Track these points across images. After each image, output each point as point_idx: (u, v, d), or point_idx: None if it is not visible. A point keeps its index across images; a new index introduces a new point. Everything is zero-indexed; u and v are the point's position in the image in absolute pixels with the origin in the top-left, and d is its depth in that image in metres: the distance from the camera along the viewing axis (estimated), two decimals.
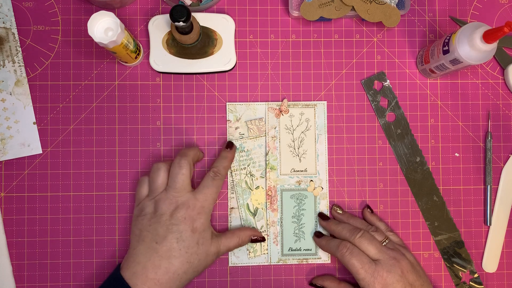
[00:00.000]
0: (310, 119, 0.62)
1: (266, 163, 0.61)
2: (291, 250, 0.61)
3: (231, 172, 0.61)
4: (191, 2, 0.61)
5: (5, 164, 0.60)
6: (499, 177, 0.63)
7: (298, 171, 0.61)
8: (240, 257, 0.60)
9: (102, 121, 0.61)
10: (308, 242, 0.61)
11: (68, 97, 0.61)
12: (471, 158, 0.63)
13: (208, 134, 0.61)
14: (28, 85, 0.60)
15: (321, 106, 0.62)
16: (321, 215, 0.60)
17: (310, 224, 0.61)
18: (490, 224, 0.62)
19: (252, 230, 0.59)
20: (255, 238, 0.58)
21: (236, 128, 0.61)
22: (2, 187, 0.60)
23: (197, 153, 0.57)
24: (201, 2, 0.61)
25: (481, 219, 0.63)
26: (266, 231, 0.61)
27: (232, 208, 0.61)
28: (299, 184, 0.61)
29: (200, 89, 0.62)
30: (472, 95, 0.64)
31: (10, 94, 0.60)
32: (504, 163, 0.63)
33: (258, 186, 0.61)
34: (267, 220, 0.61)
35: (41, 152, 0.60)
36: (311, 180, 0.61)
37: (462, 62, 0.54)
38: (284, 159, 0.61)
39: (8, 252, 0.59)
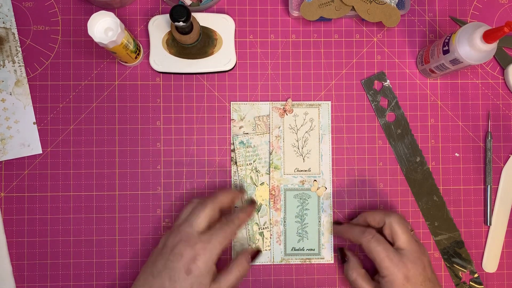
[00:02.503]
0: (314, 119, 0.62)
1: (270, 162, 0.61)
2: (294, 249, 0.61)
3: (237, 168, 0.61)
4: (191, 2, 0.61)
5: (5, 164, 0.60)
6: (499, 177, 0.63)
7: (301, 170, 0.61)
8: None
9: (102, 121, 0.61)
10: (311, 242, 0.61)
11: (68, 97, 0.61)
12: (471, 158, 0.63)
13: (208, 134, 0.61)
14: (28, 85, 0.60)
15: (325, 106, 0.62)
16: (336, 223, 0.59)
17: (314, 224, 0.61)
18: (490, 224, 0.62)
19: (245, 254, 0.54)
20: (253, 256, 0.56)
21: (240, 127, 0.61)
22: (2, 187, 0.60)
23: (230, 198, 0.55)
24: (201, 2, 0.61)
25: (481, 219, 0.63)
26: (269, 228, 0.60)
27: (236, 207, 0.60)
28: (303, 183, 0.61)
29: (200, 89, 0.62)
30: (472, 95, 0.64)
31: (10, 94, 0.60)
32: (504, 163, 0.63)
33: (263, 182, 0.61)
34: (270, 219, 0.61)
35: (41, 152, 0.60)
36: (315, 180, 0.61)
37: (462, 62, 0.54)
38: (288, 159, 0.61)
39: (8, 252, 0.59)
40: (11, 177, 0.60)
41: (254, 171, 0.61)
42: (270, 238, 0.61)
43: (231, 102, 0.61)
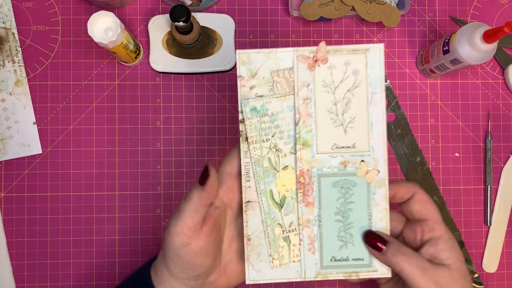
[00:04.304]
0: (360, 71, 0.43)
1: (296, 137, 0.43)
2: (335, 260, 0.43)
3: (248, 146, 0.43)
4: (191, 2, 0.61)
5: (5, 164, 0.60)
6: (499, 177, 0.63)
7: (343, 147, 0.43)
8: (262, 271, 0.43)
9: (102, 121, 0.61)
10: (359, 248, 0.43)
11: (68, 97, 0.61)
12: (471, 158, 0.63)
13: (208, 134, 0.61)
14: (28, 85, 0.60)
15: (376, 52, 0.43)
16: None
17: (362, 223, 0.43)
18: (490, 224, 0.62)
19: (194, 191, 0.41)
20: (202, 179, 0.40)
21: (252, 88, 0.43)
22: (2, 187, 0.60)
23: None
24: (201, 2, 0.61)
25: (481, 219, 0.63)
26: (297, 231, 0.43)
27: (248, 202, 0.43)
28: (345, 166, 0.43)
29: (200, 89, 0.62)
30: (472, 95, 0.64)
31: (10, 94, 0.60)
32: (504, 163, 0.63)
33: (287, 166, 0.43)
34: (299, 218, 0.43)
35: (41, 152, 0.60)
36: (362, 161, 0.43)
37: (462, 62, 0.54)
38: (322, 131, 0.43)
39: (8, 252, 0.59)
40: (11, 177, 0.60)
41: (274, 150, 0.43)
42: (300, 245, 0.43)
43: (237, 51, 0.43)
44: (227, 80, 0.62)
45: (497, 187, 0.63)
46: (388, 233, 0.43)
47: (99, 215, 0.60)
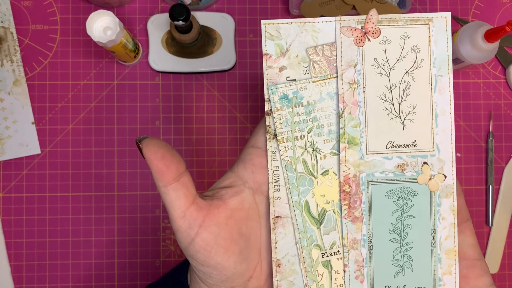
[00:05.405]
0: (422, 48, 0.34)
1: (340, 133, 0.34)
2: None
3: (277, 145, 0.34)
4: (190, 1, 0.60)
5: (4, 164, 0.60)
6: (501, 177, 0.63)
7: (400, 146, 0.34)
8: None
9: (101, 121, 0.60)
10: (420, 275, 0.35)
11: (67, 97, 0.60)
12: (472, 158, 0.63)
13: (208, 134, 0.61)
14: (26, 84, 0.60)
15: (441, 23, 0.34)
16: None
17: (423, 244, 0.35)
18: (492, 224, 0.62)
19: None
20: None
21: (282, 69, 0.34)
22: (0, 187, 0.59)
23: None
24: (200, 1, 0.60)
25: (482, 220, 0.63)
26: (341, 255, 0.34)
27: (277, 217, 0.34)
28: (403, 170, 0.34)
29: (200, 89, 0.62)
30: (474, 95, 0.63)
31: (9, 93, 0.60)
32: (506, 163, 0.63)
33: (328, 171, 0.34)
34: (343, 237, 0.34)
35: (40, 152, 0.60)
36: (425, 163, 0.34)
37: (463, 61, 0.54)
38: (374, 125, 0.34)
39: (6, 253, 0.59)
40: (10, 178, 0.60)
41: (310, 150, 0.34)
42: (345, 271, 0.34)
43: (262, 22, 0.34)
44: (227, 79, 0.62)
45: (499, 188, 0.63)
46: (457, 255, 0.35)
47: (98, 215, 0.60)
